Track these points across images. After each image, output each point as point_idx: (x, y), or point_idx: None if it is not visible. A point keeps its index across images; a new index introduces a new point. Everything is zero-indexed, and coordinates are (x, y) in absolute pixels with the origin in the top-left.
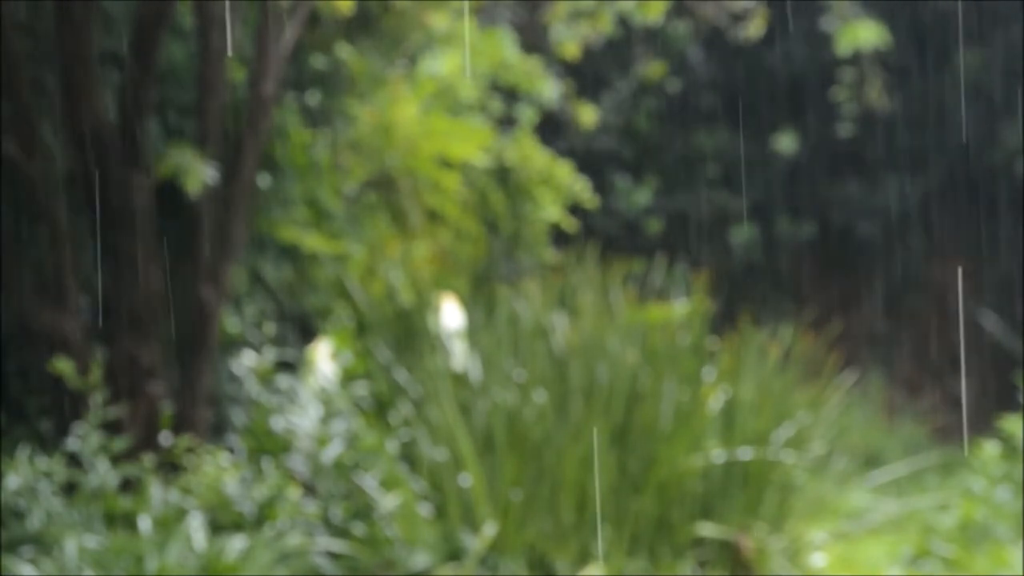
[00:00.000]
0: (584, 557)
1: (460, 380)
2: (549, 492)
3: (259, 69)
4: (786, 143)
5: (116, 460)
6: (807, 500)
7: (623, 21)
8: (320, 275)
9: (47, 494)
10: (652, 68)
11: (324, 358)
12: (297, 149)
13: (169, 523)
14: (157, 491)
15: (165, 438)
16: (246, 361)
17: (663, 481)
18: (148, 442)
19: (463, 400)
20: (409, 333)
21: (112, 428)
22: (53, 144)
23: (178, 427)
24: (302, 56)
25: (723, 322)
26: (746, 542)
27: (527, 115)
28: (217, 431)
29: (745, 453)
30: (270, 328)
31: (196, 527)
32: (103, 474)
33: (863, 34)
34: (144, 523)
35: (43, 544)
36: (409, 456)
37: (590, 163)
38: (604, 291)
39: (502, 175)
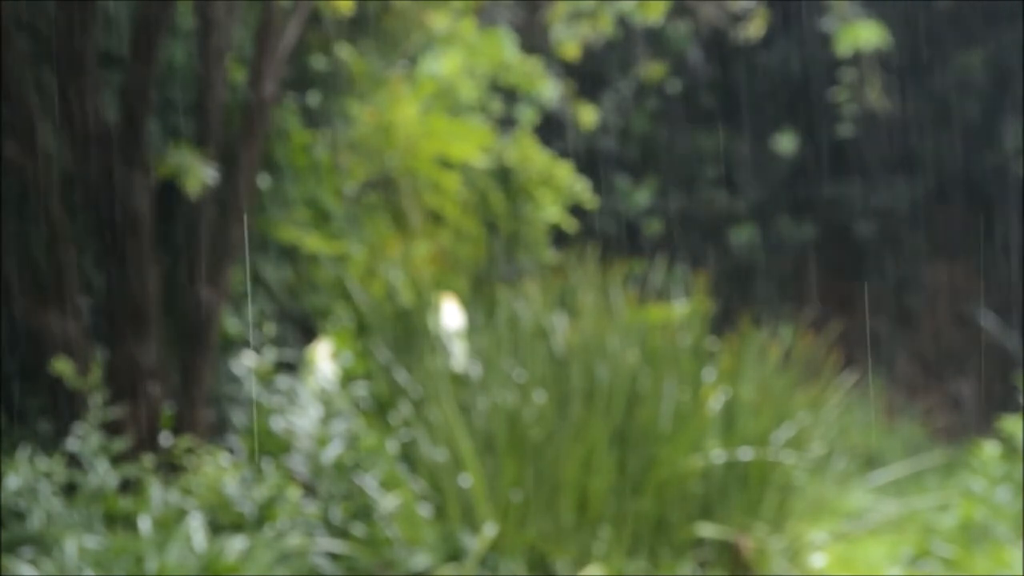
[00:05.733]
0: (584, 557)
1: (460, 380)
2: (549, 492)
3: (259, 69)
4: (786, 143)
5: (116, 461)
6: (807, 500)
7: (623, 21)
8: (320, 275)
9: (47, 494)
10: (652, 68)
11: (324, 358)
12: (297, 149)
13: (169, 523)
14: (157, 491)
15: (165, 438)
16: (246, 361)
17: (663, 481)
18: (148, 442)
19: (463, 400)
20: (409, 333)
21: (112, 428)
22: (53, 144)
23: (178, 427)
24: (302, 56)
25: (723, 322)
26: (746, 542)
27: (527, 115)
28: (217, 431)
29: (745, 453)
30: (270, 328)
31: (196, 527)
32: (103, 475)
33: (863, 34)
34: (144, 523)
35: (43, 544)
36: (409, 456)
37: (590, 163)
38: (604, 291)
39: (502, 175)
